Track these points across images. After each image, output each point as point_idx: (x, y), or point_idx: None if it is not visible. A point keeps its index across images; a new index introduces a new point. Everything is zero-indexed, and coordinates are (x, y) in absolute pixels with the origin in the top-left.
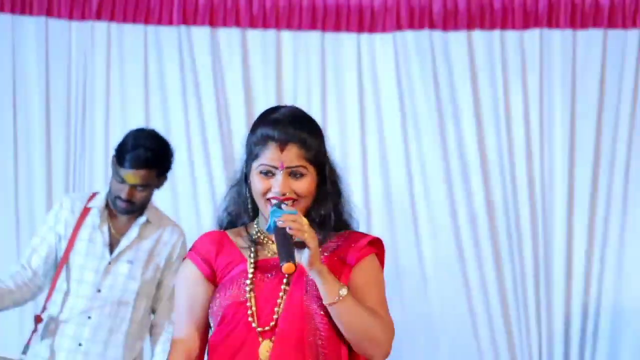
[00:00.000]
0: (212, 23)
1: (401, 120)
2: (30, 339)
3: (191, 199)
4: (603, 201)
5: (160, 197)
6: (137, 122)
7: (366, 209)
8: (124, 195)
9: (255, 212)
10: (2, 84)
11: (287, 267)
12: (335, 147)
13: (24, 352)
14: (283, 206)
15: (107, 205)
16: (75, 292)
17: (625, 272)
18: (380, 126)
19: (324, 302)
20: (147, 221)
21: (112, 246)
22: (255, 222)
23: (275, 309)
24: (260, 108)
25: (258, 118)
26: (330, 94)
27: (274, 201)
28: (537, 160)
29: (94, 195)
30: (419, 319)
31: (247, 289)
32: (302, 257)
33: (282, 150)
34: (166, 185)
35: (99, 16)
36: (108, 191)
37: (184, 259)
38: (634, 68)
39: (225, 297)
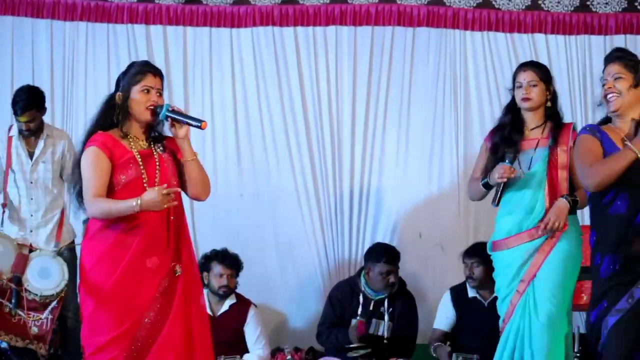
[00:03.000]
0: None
1: (256, 84)
2: (2, 218)
3: None
4: (372, 121)
5: None
6: None
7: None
8: (24, 127)
9: (123, 120)
10: None
11: (204, 124)
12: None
13: (1, 225)
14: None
15: (20, 133)
16: (19, 185)
17: (384, 164)
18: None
19: (186, 158)
20: (47, 136)
21: (31, 155)
22: (126, 126)
23: (155, 179)
24: None
25: (134, 64)
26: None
27: (162, 103)
28: (334, 95)
29: (10, 128)
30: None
31: (141, 168)
32: (183, 130)
33: (155, 77)
34: None
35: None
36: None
37: (87, 147)
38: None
39: (129, 174)
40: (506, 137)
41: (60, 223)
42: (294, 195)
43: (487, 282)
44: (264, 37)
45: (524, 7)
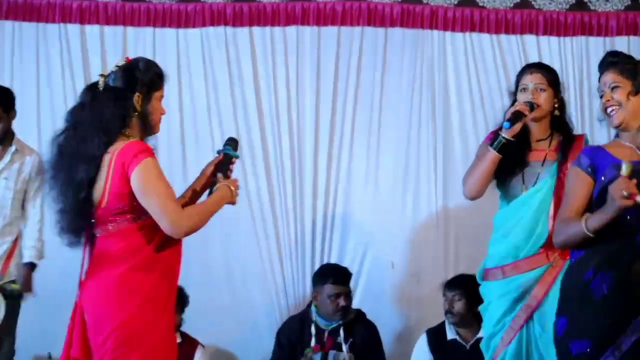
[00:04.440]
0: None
1: (205, 92)
2: None
3: None
4: (339, 135)
5: None
6: None
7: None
8: None
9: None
10: None
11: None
12: None
13: None
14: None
15: None
16: None
17: (352, 184)
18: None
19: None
20: (16, 150)
21: None
22: (134, 135)
23: None
24: None
25: (148, 63)
26: None
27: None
28: (294, 105)
29: None
30: None
31: None
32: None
33: None
34: None
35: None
36: None
37: (145, 157)
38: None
39: None
40: (512, 146)
41: (10, 254)
42: (249, 218)
43: (468, 319)
44: (215, 38)
45: (512, 5)
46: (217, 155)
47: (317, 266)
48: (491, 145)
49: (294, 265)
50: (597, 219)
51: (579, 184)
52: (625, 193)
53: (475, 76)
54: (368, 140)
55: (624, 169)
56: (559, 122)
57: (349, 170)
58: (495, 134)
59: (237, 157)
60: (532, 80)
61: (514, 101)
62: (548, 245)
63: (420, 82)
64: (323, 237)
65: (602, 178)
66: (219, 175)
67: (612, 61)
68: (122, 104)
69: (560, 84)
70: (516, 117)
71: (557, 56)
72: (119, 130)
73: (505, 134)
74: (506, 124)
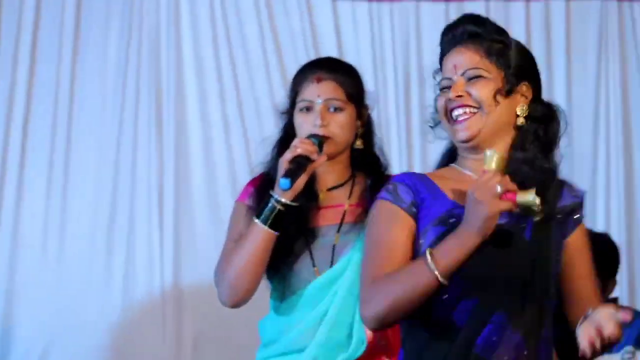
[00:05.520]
0: None
1: None
2: None
3: None
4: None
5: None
6: None
7: None
8: None
9: None
10: None
11: None
12: None
13: None
14: None
15: None
16: None
17: (18, 242)
18: None
19: None
20: None
21: None
22: None
23: None
24: None
25: None
26: None
27: None
28: None
29: None
30: None
31: None
32: None
33: None
34: None
35: None
36: None
37: None
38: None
39: None
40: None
41: None
42: None
43: None
44: None
45: None
46: None
47: None
48: (258, 216)
49: None
50: (450, 249)
51: (398, 227)
52: (499, 189)
53: (243, 56)
54: (49, 166)
55: (490, 161)
56: (363, 156)
57: (16, 219)
58: (260, 189)
59: None
60: (319, 94)
61: (287, 129)
62: None
63: (137, 63)
64: None
65: (421, 241)
66: None
67: (474, 32)
68: None
69: (365, 92)
70: (299, 166)
71: (367, 25)
72: None
73: (283, 197)
74: (284, 182)
